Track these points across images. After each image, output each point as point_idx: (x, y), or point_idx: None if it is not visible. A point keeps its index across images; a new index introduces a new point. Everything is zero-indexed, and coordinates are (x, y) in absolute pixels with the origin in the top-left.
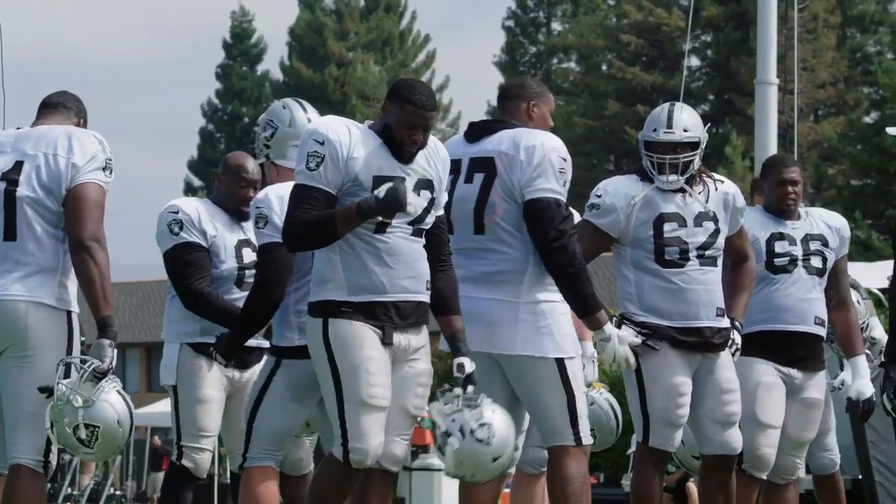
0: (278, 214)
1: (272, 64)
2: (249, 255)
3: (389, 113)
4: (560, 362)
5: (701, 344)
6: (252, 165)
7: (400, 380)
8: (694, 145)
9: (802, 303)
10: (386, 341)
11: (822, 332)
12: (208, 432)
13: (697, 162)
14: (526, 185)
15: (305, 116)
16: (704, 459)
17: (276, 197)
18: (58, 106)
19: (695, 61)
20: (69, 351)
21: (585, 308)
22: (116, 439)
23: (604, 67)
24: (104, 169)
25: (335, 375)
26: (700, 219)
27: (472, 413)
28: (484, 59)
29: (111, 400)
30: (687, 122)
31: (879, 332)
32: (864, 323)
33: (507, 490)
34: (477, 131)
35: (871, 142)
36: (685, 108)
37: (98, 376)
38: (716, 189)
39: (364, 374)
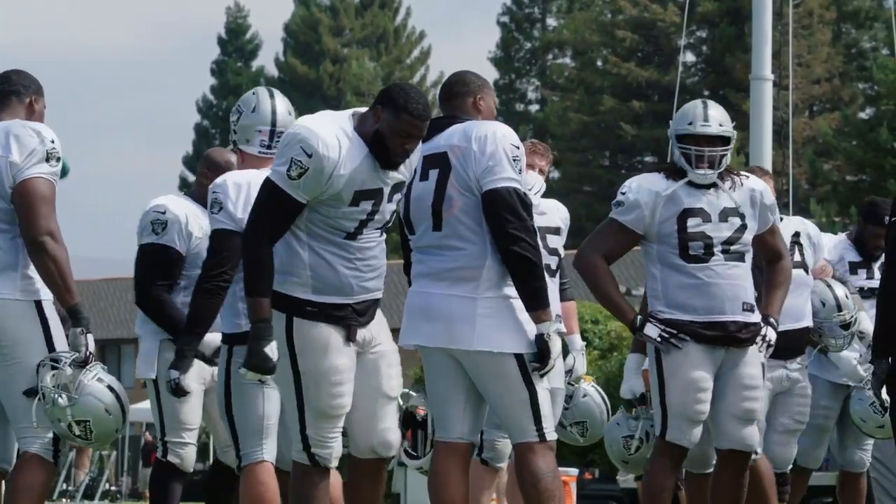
0: (233, 202)
1: (267, 60)
2: None
3: (382, 119)
4: (520, 358)
5: (724, 338)
6: (235, 159)
7: (369, 367)
8: (727, 140)
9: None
10: (351, 338)
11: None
12: (191, 425)
13: (728, 159)
14: (482, 177)
15: (271, 104)
16: (718, 454)
17: (234, 184)
18: (3, 98)
19: (690, 57)
20: (48, 339)
21: (538, 301)
22: (110, 426)
23: (599, 63)
24: (47, 160)
25: (297, 380)
26: (725, 214)
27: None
28: (479, 55)
29: (94, 391)
30: (721, 117)
31: (867, 326)
32: (852, 317)
33: None
34: (428, 129)
35: (866, 137)
36: (716, 104)
37: (81, 365)
38: (742, 185)
39: (327, 386)
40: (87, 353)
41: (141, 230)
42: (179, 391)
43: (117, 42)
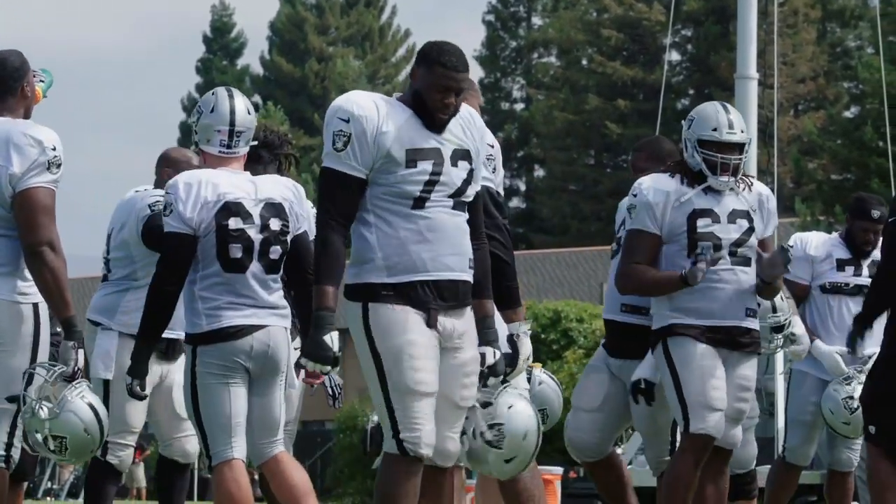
0: (183, 202)
1: (252, 58)
2: None
3: (418, 78)
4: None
5: (726, 341)
6: (195, 156)
7: (445, 369)
8: (744, 146)
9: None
10: (430, 324)
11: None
12: (135, 428)
13: (743, 168)
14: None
15: (230, 104)
16: None
17: (185, 184)
18: None
19: (675, 56)
20: (36, 343)
21: (509, 300)
22: (86, 445)
23: (584, 62)
24: (48, 168)
25: (378, 363)
26: (734, 216)
27: (483, 412)
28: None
29: (76, 409)
30: (740, 123)
31: (800, 330)
32: (786, 320)
33: (472, 482)
34: None
35: (851, 136)
36: (732, 108)
37: (67, 380)
38: (750, 189)
39: (408, 360)
40: (76, 369)
41: (138, 213)
42: (135, 395)
43: (102, 39)
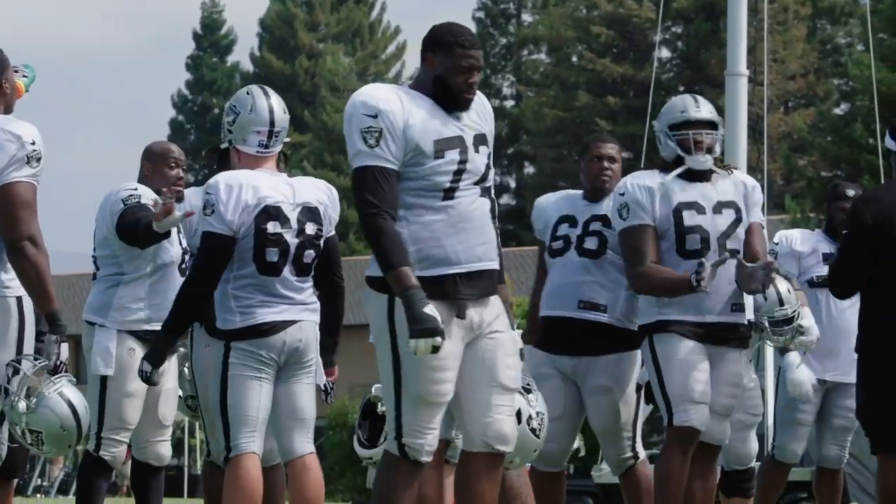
0: (224, 204)
1: (242, 55)
2: (183, 241)
3: (436, 64)
4: None
5: (711, 337)
6: (177, 148)
7: (485, 354)
8: (716, 126)
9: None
10: (460, 315)
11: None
12: (131, 425)
13: (718, 149)
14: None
15: (267, 103)
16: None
17: (226, 186)
18: None
19: (665, 53)
20: (20, 338)
21: None
22: (62, 441)
23: (574, 59)
24: (28, 163)
25: (396, 364)
26: (720, 206)
27: (527, 398)
28: None
29: (52, 405)
30: (709, 105)
31: (809, 322)
32: (794, 312)
33: None
34: None
35: (842, 133)
36: (699, 97)
37: (50, 373)
38: (732, 177)
39: (427, 371)
40: (59, 363)
41: (112, 207)
42: (150, 382)
43: (92, 36)
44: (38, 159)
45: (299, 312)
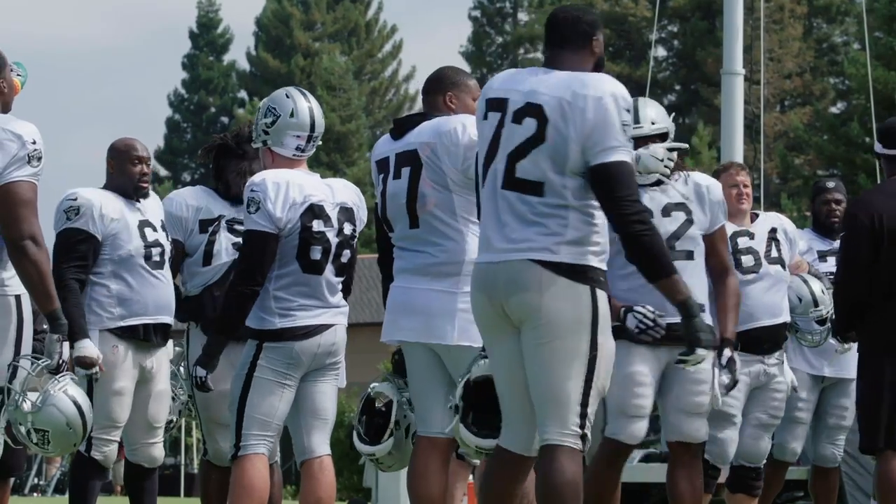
0: (272, 202)
1: (238, 54)
2: (151, 235)
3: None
4: None
5: (666, 338)
6: (140, 144)
7: None
8: (663, 136)
9: None
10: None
11: None
12: (119, 423)
13: (665, 154)
14: (465, 171)
15: (309, 108)
16: (669, 447)
17: (273, 183)
18: None
19: (661, 51)
20: (19, 337)
21: None
22: (69, 439)
23: None
24: (28, 162)
25: (592, 357)
26: (668, 209)
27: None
28: (450, 50)
29: (58, 402)
30: (653, 115)
31: None
32: (828, 312)
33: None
34: (400, 127)
35: (838, 132)
36: (648, 101)
37: (52, 373)
38: (685, 182)
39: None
40: (60, 362)
41: (56, 221)
42: (205, 388)
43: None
44: (39, 158)
45: (334, 316)
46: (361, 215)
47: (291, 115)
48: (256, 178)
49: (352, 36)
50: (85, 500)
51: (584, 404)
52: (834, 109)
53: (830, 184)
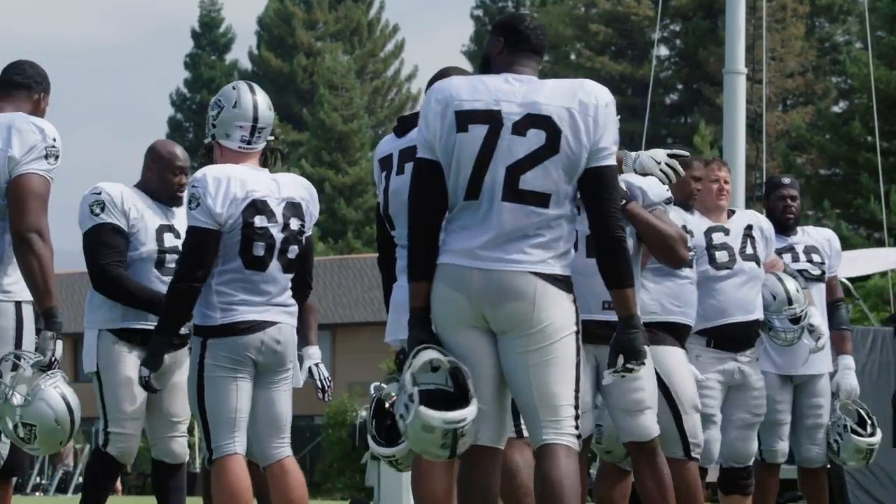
0: (212, 197)
1: (241, 53)
2: (171, 241)
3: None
4: None
5: (586, 335)
6: (181, 152)
7: None
8: None
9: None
10: None
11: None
12: (131, 416)
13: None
14: None
15: (253, 100)
16: (627, 449)
17: (213, 179)
18: (12, 88)
19: (664, 51)
20: (18, 342)
21: None
22: (56, 436)
23: (573, 57)
24: (46, 157)
25: (577, 362)
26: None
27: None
28: (453, 49)
29: (48, 398)
30: None
31: (817, 320)
32: (802, 311)
33: None
34: (404, 124)
35: (840, 131)
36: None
37: (43, 369)
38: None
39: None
40: (52, 359)
41: (81, 219)
42: (150, 388)
43: (89, 33)
44: (56, 157)
45: (279, 314)
46: (312, 210)
47: (234, 105)
48: (198, 173)
49: (354, 35)
50: (97, 495)
51: (576, 406)
52: (836, 109)
53: (786, 179)
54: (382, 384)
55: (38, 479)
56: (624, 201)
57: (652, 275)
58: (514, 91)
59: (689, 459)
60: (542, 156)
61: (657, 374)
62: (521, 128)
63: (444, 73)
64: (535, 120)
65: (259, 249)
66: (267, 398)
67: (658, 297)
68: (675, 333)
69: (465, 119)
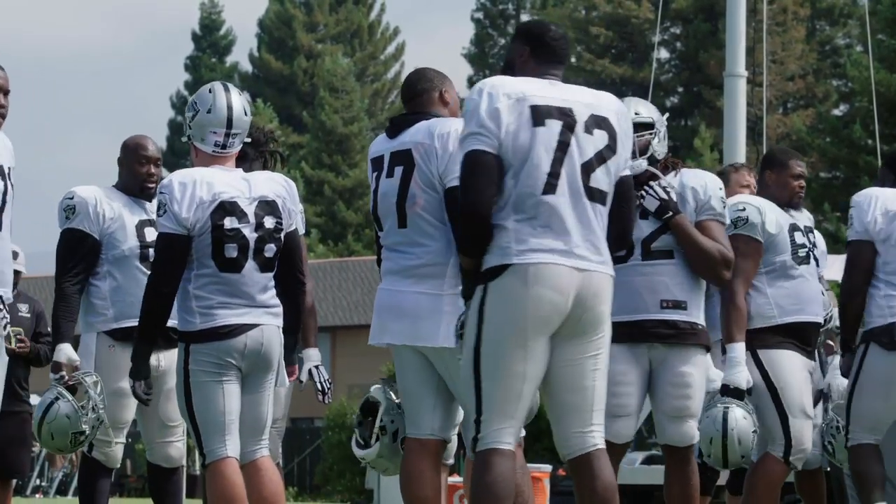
0: (178, 202)
1: (241, 56)
2: (153, 234)
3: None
4: None
5: (642, 334)
6: (151, 144)
7: None
8: (646, 125)
9: None
10: None
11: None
12: (122, 424)
13: (659, 147)
14: (445, 174)
15: (227, 104)
16: (662, 449)
17: (179, 184)
18: None
19: (664, 53)
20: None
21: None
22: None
23: (573, 59)
24: None
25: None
26: (646, 213)
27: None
28: (453, 52)
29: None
30: (637, 106)
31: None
32: (828, 315)
33: (459, 480)
34: (396, 126)
35: (840, 134)
36: (635, 99)
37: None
38: (677, 177)
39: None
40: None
41: (58, 222)
42: (141, 399)
43: (88, 35)
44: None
45: (260, 316)
46: (291, 206)
47: (209, 111)
48: (165, 179)
49: (354, 38)
50: (93, 499)
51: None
52: (836, 112)
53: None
54: (377, 385)
55: (37, 482)
56: (671, 213)
57: (766, 277)
58: (570, 91)
59: (786, 464)
60: (605, 156)
61: (766, 376)
62: (589, 126)
63: (425, 73)
64: (598, 121)
65: (231, 251)
66: (250, 401)
67: (775, 299)
68: (799, 334)
69: (542, 114)
